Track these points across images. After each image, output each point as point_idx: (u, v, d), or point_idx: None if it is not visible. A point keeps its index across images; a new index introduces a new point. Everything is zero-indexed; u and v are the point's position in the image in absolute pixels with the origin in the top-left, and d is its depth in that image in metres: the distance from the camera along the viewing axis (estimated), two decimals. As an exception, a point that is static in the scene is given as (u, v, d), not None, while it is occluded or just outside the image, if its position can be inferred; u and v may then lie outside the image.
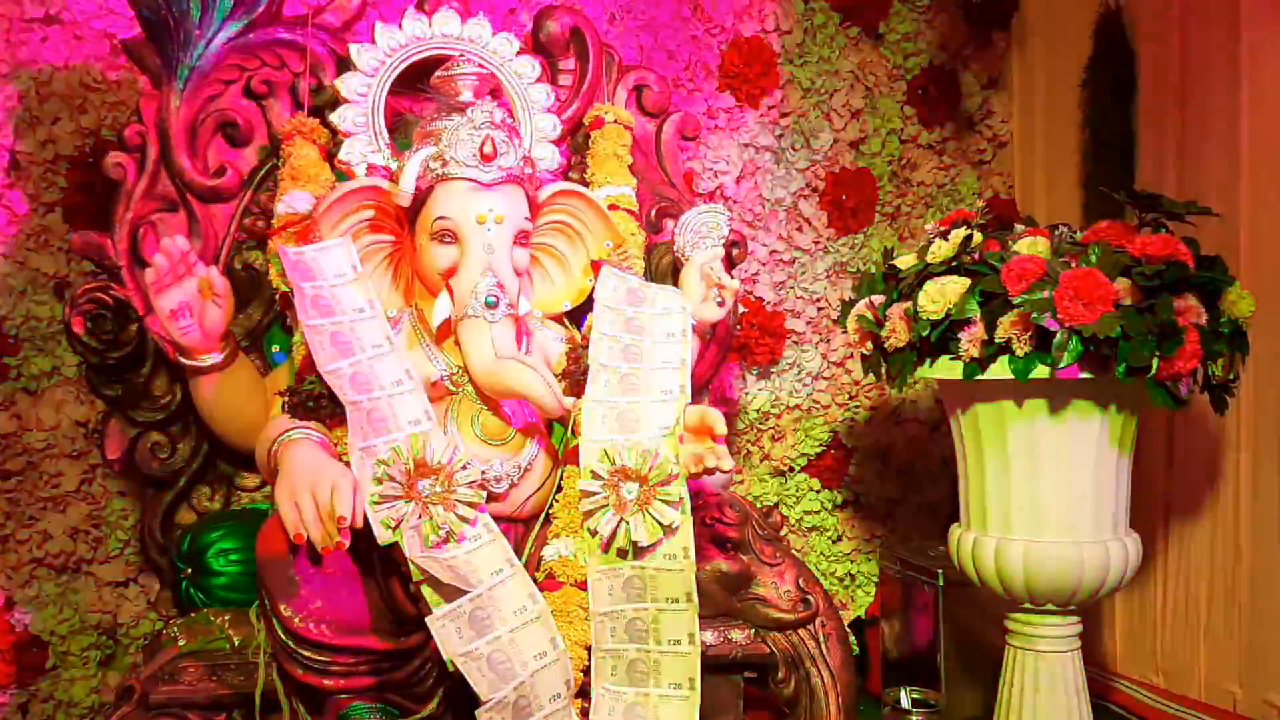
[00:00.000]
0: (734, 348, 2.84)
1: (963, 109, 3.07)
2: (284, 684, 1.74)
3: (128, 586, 2.44)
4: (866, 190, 2.98)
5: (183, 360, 1.86)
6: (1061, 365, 1.89)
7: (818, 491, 2.95)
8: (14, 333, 2.36)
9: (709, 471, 1.73)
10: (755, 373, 2.91)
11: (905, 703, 2.39)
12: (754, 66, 2.87)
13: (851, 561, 2.98)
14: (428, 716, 1.76)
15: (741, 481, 2.90)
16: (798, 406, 2.93)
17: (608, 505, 1.72)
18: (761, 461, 2.92)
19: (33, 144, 2.36)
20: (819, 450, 2.95)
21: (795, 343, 2.94)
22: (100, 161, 2.10)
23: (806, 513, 2.94)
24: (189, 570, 1.93)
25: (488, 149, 1.82)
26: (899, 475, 3.00)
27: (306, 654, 1.68)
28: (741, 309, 2.85)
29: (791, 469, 2.94)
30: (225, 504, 2.09)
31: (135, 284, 2.00)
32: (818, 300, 2.95)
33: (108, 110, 2.39)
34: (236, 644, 1.82)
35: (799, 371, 2.93)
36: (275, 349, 2.09)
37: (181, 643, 1.81)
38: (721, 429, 1.75)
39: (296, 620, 1.67)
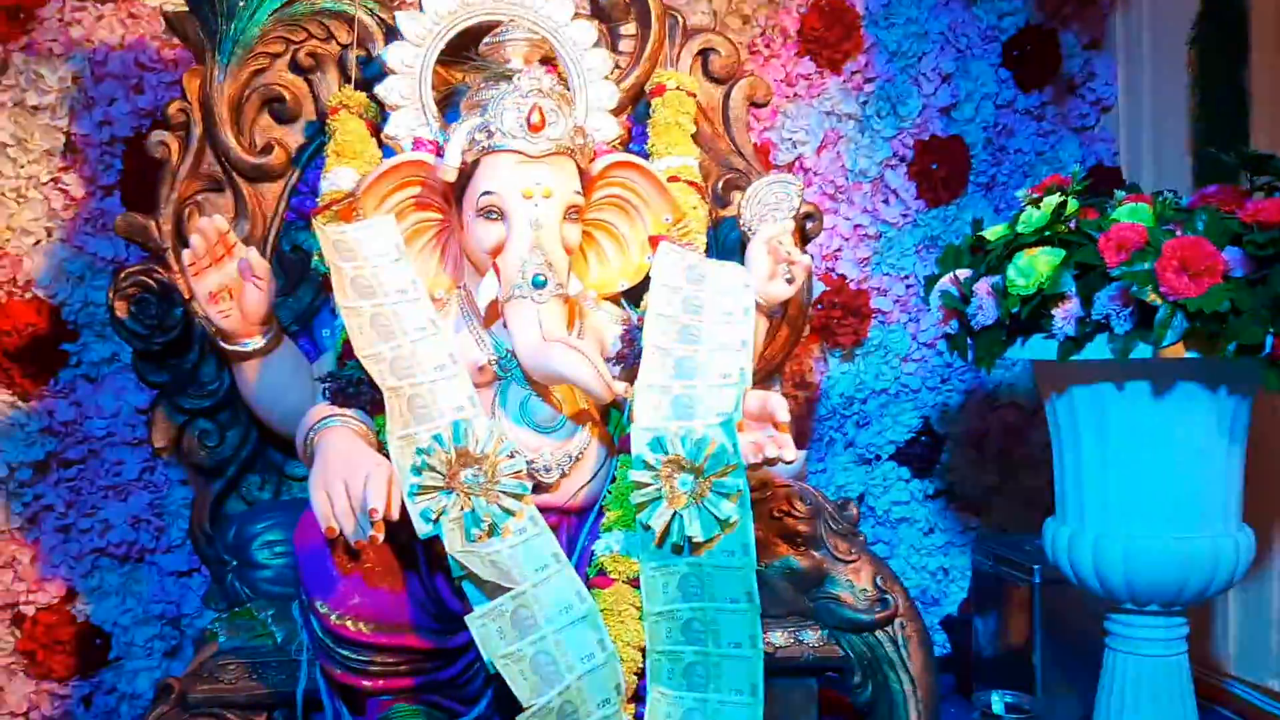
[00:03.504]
0: (814, 328, 2.70)
1: (1063, 71, 2.87)
2: (326, 683, 1.67)
3: (191, 576, 2.41)
4: (959, 159, 2.81)
5: (224, 345, 1.80)
6: (1165, 344, 1.71)
7: (907, 481, 2.79)
8: (73, 319, 2.34)
9: (770, 462, 1.60)
10: (838, 355, 2.76)
11: (997, 707, 2.22)
12: (835, 30, 2.72)
13: (944, 555, 2.82)
14: (475, 719, 1.68)
15: (823, 470, 2.75)
16: (885, 390, 2.78)
17: (660, 497, 1.60)
18: (845, 449, 2.78)
19: (89, 126, 2.33)
20: (908, 437, 2.79)
21: (882, 322, 2.78)
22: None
23: (895, 503, 2.79)
24: (234, 563, 1.86)
25: (535, 119, 1.71)
26: (995, 463, 2.82)
27: (345, 653, 1.60)
28: (822, 286, 2.70)
29: (878, 457, 2.78)
30: (275, 493, 2.02)
31: (180, 267, 1.93)
32: (906, 277, 2.79)
33: (164, 89, 2.35)
34: (279, 640, 1.75)
35: (886, 353, 2.77)
36: (326, 333, 2.01)
37: (222, 639, 1.75)
38: (784, 416, 1.60)
39: (334, 618, 1.59)
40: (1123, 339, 1.77)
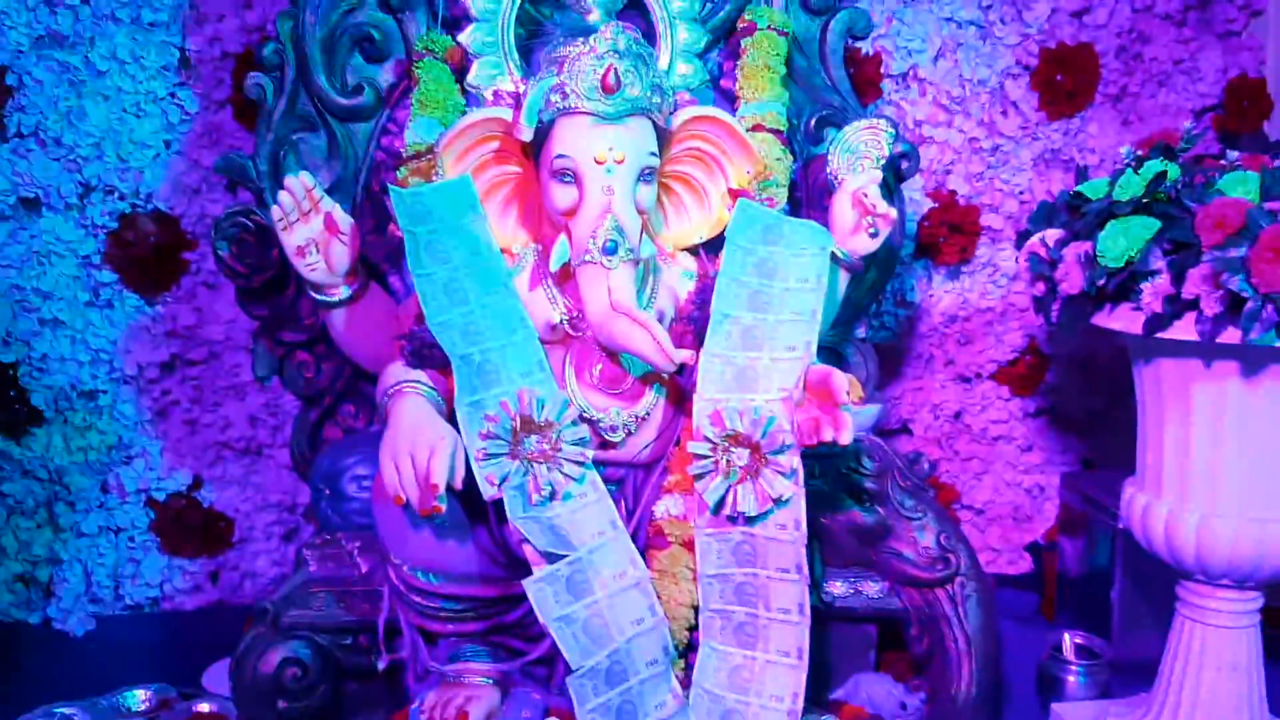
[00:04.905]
0: (919, 245, 2.64)
1: (1210, -28, 2.66)
2: (404, 617, 1.80)
3: (306, 470, 2.57)
4: (1087, 68, 2.64)
5: (313, 295, 1.88)
6: (1254, 338, 1.64)
7: (1006, 400, 2.75)
8: (191, 230, 2.45)
9: (825, 443, 1.62)
10: (942, 273, 2.70)
11: (1067, 647, 2.25)
12: (958, -74, 2.56)
13: (1041, 473, 2.79)
14: (539, 659, 1.79)
15: (920, 389, 2.74)
16: (990, 309, 2.71)
17: (716, 471, 1.65)
18: (945, 366, 2.74)
19: (201, 42, 2.38)
20: (1013, 357, 2.73)
21: (993, 240, 2.69)
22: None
23: (992, 421, 2.76)
24: (327, 491, 1.99)
25: (610, 80, 1.69)
26: (1102, 387, 2.75)
27: (416, 599, 1.73)
28: (930, 204, 2.63)
29: (978, 375, 2.74)
30: (369, 422, 2.13)
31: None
32: (1020, 193, 2.67)
33: (271, 5, 2.37)
34: (364, 571, 1.88)
35: (993, 271, 2.70)
36: (415, 271, 2.07)
37: (312, 568, 1.89)
38: (843, 396, 1.61)
39: (406, 569, 1.72)
40: (1211, 322, 1.70)
